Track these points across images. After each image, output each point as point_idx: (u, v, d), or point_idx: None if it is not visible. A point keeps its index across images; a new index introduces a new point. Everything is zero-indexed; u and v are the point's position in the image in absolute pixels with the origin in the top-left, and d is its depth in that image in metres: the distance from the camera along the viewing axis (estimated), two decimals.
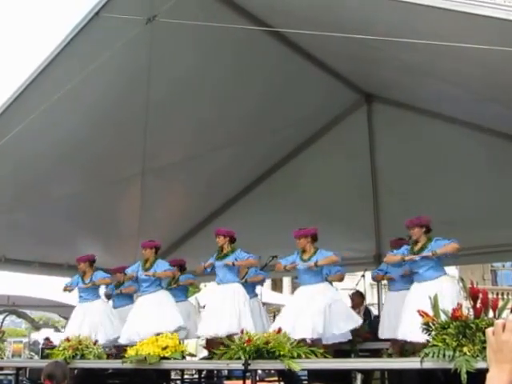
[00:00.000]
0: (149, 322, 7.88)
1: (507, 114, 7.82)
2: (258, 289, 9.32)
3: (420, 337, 6.06)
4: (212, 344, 7.86)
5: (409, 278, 7.40)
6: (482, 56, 5.62)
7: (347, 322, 7.37)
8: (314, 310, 7.10)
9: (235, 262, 7.67)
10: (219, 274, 7.80)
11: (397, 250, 7.38)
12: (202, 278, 10.18)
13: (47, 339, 13.49)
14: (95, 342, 8.07)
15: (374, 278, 8.97)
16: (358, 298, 10.22)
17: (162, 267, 8.23)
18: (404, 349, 7.35)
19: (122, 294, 9.51)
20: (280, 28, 7.40)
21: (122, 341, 8.22)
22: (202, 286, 17.86)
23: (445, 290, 6.49)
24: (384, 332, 7.92)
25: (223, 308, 7.53)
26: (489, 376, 1.43)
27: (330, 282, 8.05)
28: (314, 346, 6.75)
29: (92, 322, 8.64)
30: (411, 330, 6.46)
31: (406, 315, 6.72)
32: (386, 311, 8.27)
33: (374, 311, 11.04)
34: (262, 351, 6.28)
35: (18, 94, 7.39)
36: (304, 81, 9.07)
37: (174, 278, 9.32)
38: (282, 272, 8.15)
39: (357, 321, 7.55)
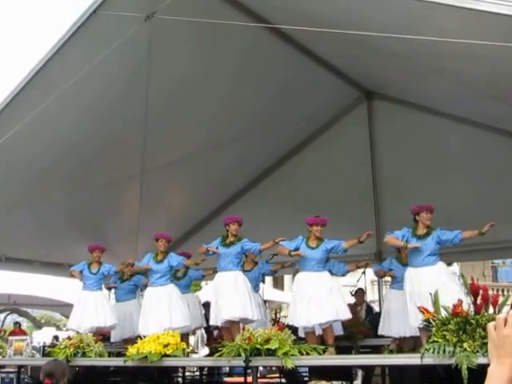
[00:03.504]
0: (158, 318, 7.98)
1: (507, 111, 7.82)
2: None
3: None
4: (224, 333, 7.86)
5: None
6: (484, 53, 5.62)
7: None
8: (324, 297, 7.12)
9: (259, 247, 7.67)
10: (224, 260, 7.72)
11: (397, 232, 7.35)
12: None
13: (56, 338, 13.53)
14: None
15: (375, 273, 8.97)
16: (360, 296, 10.25)
17: (174, 260, 8.39)
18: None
19: (125, 289, 9.57)
20: (281, 26, 7.40)
21: (142, 332, 8.20)
22: (203, 283, 17.86)
23: (441, 275, 6.68)
24: (383, 329, 7.96)
25: (228, 294, 7.49)
26: (490, 370, 1.44)
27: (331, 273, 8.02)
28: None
29: (93, 312, 8.72)
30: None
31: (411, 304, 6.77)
32: (385, 308, 8.27)
33: (376, 308, 11.05)
34: (263, 349, 6.28)
35: (16, 93, 7.37)
36: (305, 78, 9.08)
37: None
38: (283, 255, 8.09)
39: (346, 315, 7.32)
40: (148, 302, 8.42)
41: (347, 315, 7.22)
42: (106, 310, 8.81)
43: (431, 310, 5.83)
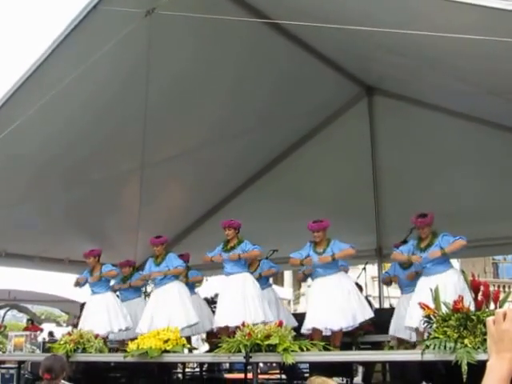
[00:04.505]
0: (165, 316, 7.93)
1: (508, 106, 7.80)
2: None
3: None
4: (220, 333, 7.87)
5: (416, 281, 7.36)
6: (484, 48, 5.59)
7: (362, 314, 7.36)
8: (342, 299, 7.15)
9: (241, 254, 7.66)
10: (227, 265, 7.77)
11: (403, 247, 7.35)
12: (205, 271, 10.21)
13: (51, 334, 13.52)
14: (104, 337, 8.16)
15: (383, 282, 9.28)
16: None
17: (173, 262, 8.33)
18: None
19: (130, 288, 9.56)
20: (282, 21, 7.38)
21: (140, 331, 8.20)
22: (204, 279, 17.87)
23: (450, 284, 6.52)
24: (391, 330, 7.95)
25: (237, 298, 7.51)
26: (489, 365, 1.43)
27: (346, 272, 8.00)
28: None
29: (102, 314, 8.74)
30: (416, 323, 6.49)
31: (412, 309, 6.75)
32: (396, 312, 8.24)
33: (375, 303, 11.05)
34: (263, 345, 6.27)
35: (16, 88, 7.34)
36: (306, 74, 9.07)
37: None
38: (297, 266, 8.16)
39: (369, 313, 7.47)
40: (152, 302, 8.38)
41: (369, 315, 7.31)
42: (118, 313, 8.85)
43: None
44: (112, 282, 9.50)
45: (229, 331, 7.47)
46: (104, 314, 8.71)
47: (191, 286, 9.81)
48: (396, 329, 7.79)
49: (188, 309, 8.13)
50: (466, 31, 5.08)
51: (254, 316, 7.30)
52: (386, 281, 9.03)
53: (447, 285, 6.48)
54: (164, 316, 7.92)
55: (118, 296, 9.77)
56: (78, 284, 9.18)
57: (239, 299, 7.47)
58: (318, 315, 7.14)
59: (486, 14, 4.94)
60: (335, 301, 7.12)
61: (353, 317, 7.15)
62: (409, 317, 6.70)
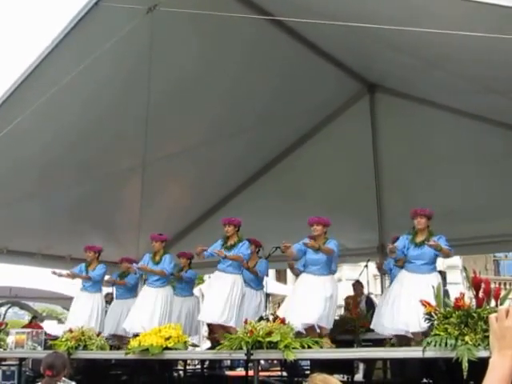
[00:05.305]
0: (149, 319, 8.07)
1: (508, 104, 7.79)
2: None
3: (418, 326, 6.10)
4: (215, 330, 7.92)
5: None
6: (486, 46, 5.59)
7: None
8: (317, 298, 7.11)
9: (228, 255, 7.65)
10: (224, 262, 7.77)
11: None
12: (206, 269, 10.20)
13: (44, 333, 13.49)
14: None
15: (379, 270, 9.36)
16: (358, 288, 10.30)
17: (169, 266, 8.42)
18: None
19: (125, 287, 9.56)
20: (284, 18, 7.36)
21: (126, 329, 8.37)
22: (206, 277, 17.88)
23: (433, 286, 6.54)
24: (376, 326, 7.93)
25: (221, 297, 7.56)
26: (491, 362, 1.43)
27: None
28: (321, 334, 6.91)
29: (87, 315, 8.81)
30: (409, 321, 6.48)
31: (400, 307, 6.73)
32: (380, 305, 8.22)
33: (376, 301, 11.05)
34: (264, 342, 6.28)
35: (16, 87, 7.33)
36: (308, 71, 9.04)
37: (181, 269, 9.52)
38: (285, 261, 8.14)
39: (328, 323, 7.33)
40: (140, 300, 8.46)
41: (330, 325, 7.22)
42: (98, 318, 8.91)
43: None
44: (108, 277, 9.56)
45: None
46: (86, 314, 8.79)
47: (189, 286, 9.81)
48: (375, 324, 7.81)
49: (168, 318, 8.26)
50: (471, 29, 5.07)
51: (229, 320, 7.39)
52: (382, 270, 9.08)
53: (430, 286, 6.48)
54: (148, 316, 8.11)
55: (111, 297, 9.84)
56: (70, 276, 9.11)
57: (223, 300, 7.51)
58: (292, 315, 7.06)
59: (491, 12, 4.94)
60: (313, 299, 7.09)
61: (318, 317, 7.05)
62: (405, 320, 6.65)
